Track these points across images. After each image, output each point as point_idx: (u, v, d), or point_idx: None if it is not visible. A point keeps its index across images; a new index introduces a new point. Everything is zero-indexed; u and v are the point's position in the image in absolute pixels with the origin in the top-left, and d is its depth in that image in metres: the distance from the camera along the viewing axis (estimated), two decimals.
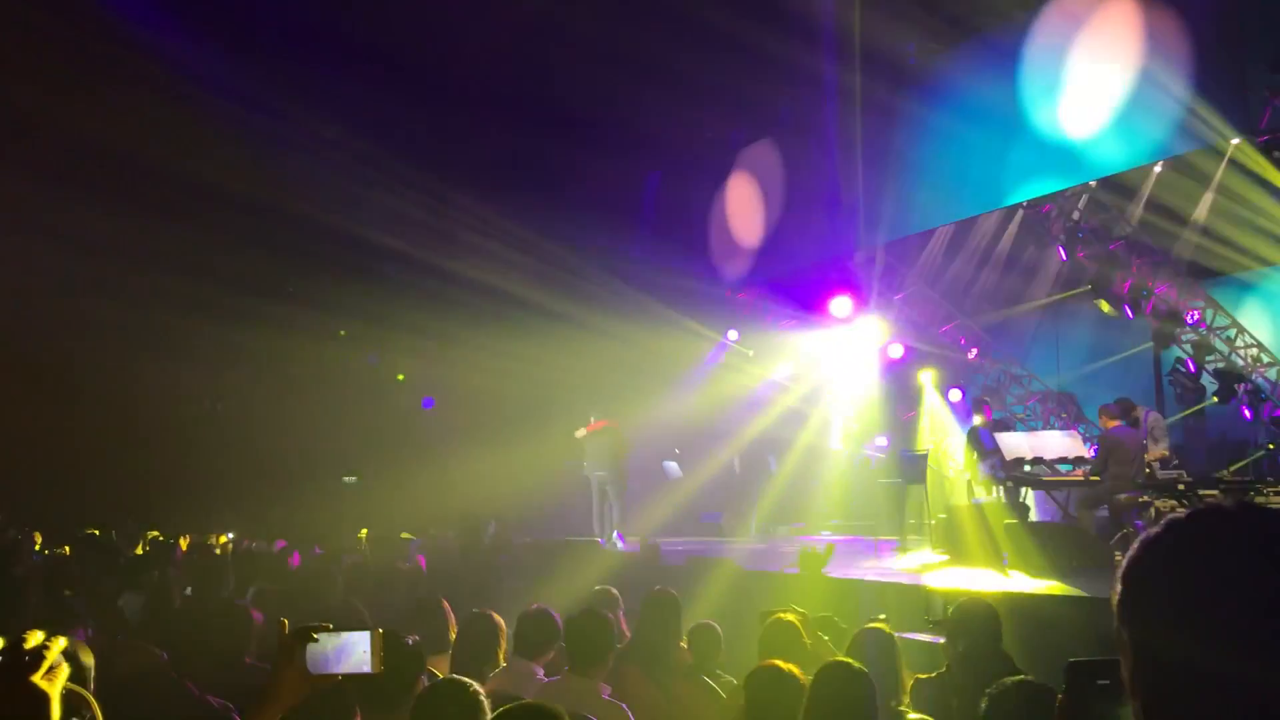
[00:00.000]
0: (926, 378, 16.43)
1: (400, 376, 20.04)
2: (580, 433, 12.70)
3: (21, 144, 13.18)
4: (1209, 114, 9.28)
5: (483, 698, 2.88)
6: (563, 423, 14.02)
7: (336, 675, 2.07)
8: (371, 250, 16.22)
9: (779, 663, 3.77)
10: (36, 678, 1.57)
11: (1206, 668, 1.04)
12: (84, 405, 15.98)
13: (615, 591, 6.22)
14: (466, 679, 3.01)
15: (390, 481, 17.26)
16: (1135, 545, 1.16)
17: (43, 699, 1.56)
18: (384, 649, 2.11)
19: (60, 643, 1.62)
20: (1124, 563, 1.14)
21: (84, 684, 3.25)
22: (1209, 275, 13.69)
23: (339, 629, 2.10)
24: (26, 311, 14.39)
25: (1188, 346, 13.63)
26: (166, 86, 13.09)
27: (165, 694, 3.84)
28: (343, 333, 18.91)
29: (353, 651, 2.08)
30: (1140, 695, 1.10)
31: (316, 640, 2.05)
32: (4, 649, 1.58)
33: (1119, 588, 1.14)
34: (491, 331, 16.58)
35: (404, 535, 12.41)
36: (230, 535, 12.55)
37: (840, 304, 15.14)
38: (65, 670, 1.61)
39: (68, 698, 1.60)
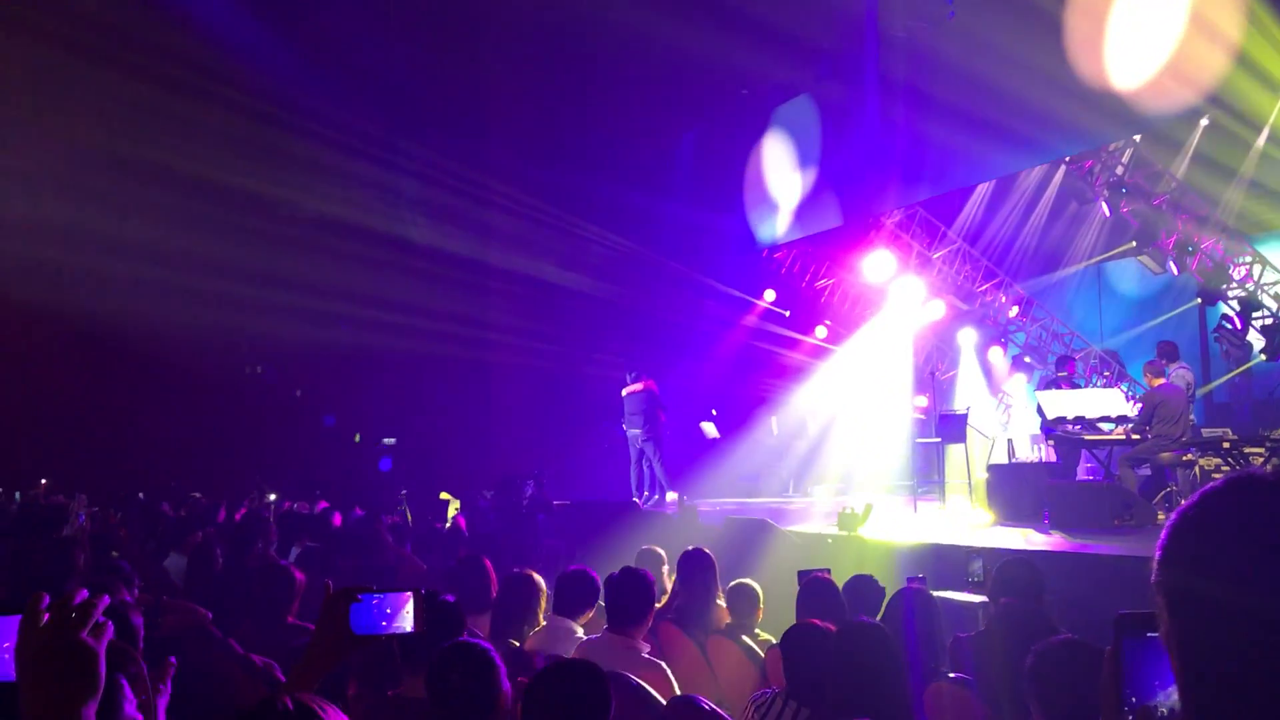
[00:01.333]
0: (966, 337, 16.26)
1: None
2: (624, 392, 12.71)
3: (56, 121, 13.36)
4: (1257, 65, 9.04)
5: (493, 656, 2.87)
6: (600, 384, 14.03)
7: (379, 635, 2.10)
8: (404, 240, 16.18)
9: (816, 622, 3.77)
10: (83, 634, 1.59)
11: (1239, 630, 1.07)
12: (127, 370, 16.21)
13: (661, 550, 6.22)
14: (475, 640, 3.01)
15: (429, 442, 17.40)
16: (1173, 513, 1.19)
17: (91, 654, 1.58)
18: (425, 609, 2.13)
19: (104, 600, 1.65)
20: (1162, 531, 1.18)
21: (132, 642, 3.32)
22: (1256, 229, 13.40)
23: (381, 590, 2.12)
24: (70, 278, 14.57)
25: (1234, 303, 13.33)
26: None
27: (209, 652, 3.90)
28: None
29: (394, 612, 2.10)
30: (1175, 655, 1.14)
31: (359, 601, 2.07)
32: (52, 606, 1.61)
33: (1156, 555, 1.18)
34: (527, 299, 16.58)
35: (443, 496, 12.53)
36: (273, 496, 12.73)
37: (879, 263, 14.99)
38: (109, 627, 1.63)
39: (113, 653, 1.63)
